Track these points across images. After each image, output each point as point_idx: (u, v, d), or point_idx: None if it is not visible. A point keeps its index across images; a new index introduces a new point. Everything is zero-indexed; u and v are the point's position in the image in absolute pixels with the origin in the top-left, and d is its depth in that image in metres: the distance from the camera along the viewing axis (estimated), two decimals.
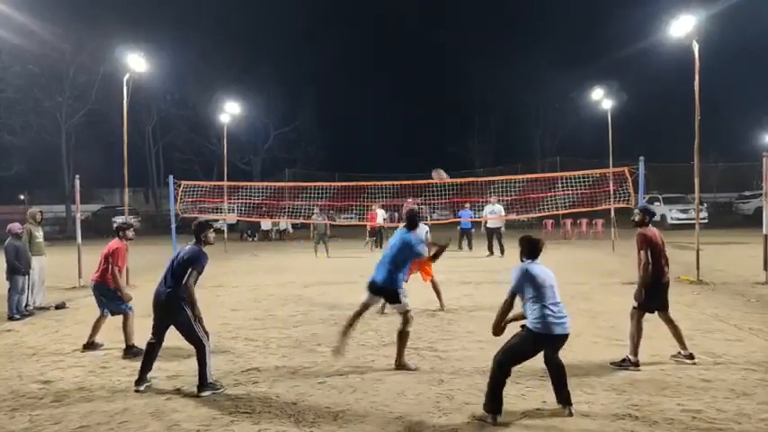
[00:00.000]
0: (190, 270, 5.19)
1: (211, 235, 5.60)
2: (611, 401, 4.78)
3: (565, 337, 4.47)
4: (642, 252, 5.80)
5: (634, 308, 5.83)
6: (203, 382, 5.14)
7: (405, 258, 5.97)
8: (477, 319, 8.11)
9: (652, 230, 5.94)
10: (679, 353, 5.82)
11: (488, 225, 16.78)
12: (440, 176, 12.54)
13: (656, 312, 5.87)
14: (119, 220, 29.33)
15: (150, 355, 5.37)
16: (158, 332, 5.40)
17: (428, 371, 5.73)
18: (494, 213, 16.60)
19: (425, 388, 5.22)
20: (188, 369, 5.88)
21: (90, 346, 6.76)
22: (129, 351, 6.43)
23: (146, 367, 5.35)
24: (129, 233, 6.94)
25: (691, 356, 5.75)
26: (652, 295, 5.81)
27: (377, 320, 8.12)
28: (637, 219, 6.07)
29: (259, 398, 5.06)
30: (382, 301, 8.71)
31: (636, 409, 4.59)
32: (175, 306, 5.20)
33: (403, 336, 5.84)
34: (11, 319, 8.60)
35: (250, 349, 6.71)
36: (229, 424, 4.50)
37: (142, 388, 5.26)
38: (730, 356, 5.95)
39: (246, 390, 5.28)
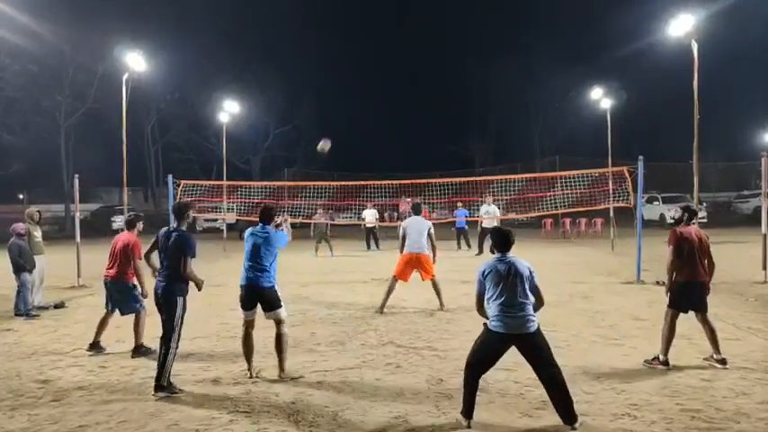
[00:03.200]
0: (185, 259, 5.21)
1: (191, 214, 5.67)
2: (609, 401, 4.78)
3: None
4: (669, 248, 5.71)
5: (668, 306, 5.76)
6: (160, 382, 5.10)
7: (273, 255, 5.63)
8: (476, 318, 8.09)
9: (688, 228, 5.81)
10: (711, 356, 5.69)
11: (483, 225, 16.76)
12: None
13: (693, 313, 5.77)
14: (117, 219, 29.68)
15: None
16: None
17: (427, 370, 5.72)
18: (488, 214, 16.58)
19: (425, 387, 5.22)
20: (187, 368, 5.88)
21: (95, 345, 6.63)
22: (138, 351, 6.39)
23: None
24: (141, 225, 6.95)
25: (723, 361, 5.59)
26: (683, 295, 5.70)
27: (376, 320, 8.13)
28: (676, 217, 6.04)
29: (258, 397, 5.05)
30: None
31: (635, 409, 4.59)
32: (171, 300, 5.22)
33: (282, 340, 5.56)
34: (18, 314, 8.71)
35: None
36: (228, 423, 4.50)
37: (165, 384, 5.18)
38: (729, 356, 5.93)
39: (246, 389, 5.27)
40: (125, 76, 13.91)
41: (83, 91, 34.34)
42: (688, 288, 5.71)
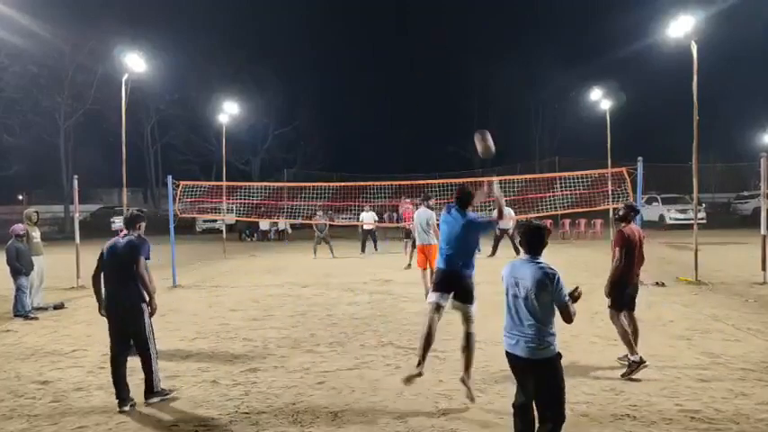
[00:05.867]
0: (139, 259, 5.01)
1: (143, 225, 5.41)
2: (609, 402, 4.78)
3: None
4: (617, 249, 5.70)
5: (609, 308, 5.74)
6: (150, 389, 4.98)
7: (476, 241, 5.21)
8: (475, 319, 8.10)
9: (632, 229, 5.81)
10: (626, 356, 5.58)
11: (500, 227, 16.64)
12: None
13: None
14: (117, 220, 29.70)
15: (120, 370, 4.98)
16: (121, 342, 5.04)
17: (427, 371, 5.71)
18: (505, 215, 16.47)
19: (424, 388, 5.21)
20: (187, 369, 5.88)
21: None
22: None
23: (120, 384, 4.96)
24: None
25: (640, 361, 5.47)
26: (623, 294, 5.72)
27: (375, 321, 8.13)
28: (621, 213, 5.92)
29: (258, 398, 5.05)
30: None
31: (634, 410, 4.59)
32: (136, 308, 4.98)
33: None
34: (17, 315, 8.72)
35: (249, 349, 6.70)
36: (228, 424, 4.50)
37: (127, 408, 4.85)
38: (728, 357, 5.96)
39: (245, 390, 5.27)
40: (124, 77, 13.91)
41: (82, 92, 34.36)
42: (626, 288, 5.73)
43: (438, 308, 5.05)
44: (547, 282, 3.53)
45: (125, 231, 5.29)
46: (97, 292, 5.13)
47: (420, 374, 4.96)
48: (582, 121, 35.59)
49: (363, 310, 8.92)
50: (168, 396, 5.06)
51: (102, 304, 5.09)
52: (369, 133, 51.21)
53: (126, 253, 5.05)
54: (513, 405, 3.72)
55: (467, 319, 5.04)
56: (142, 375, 5.08)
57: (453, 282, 5.05)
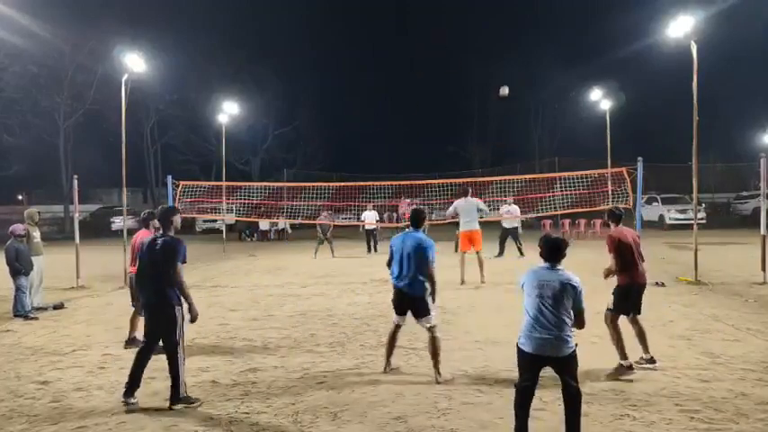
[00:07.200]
0: (177, 265, 4.87)
1: (178, 219, 5.17)
2: (609, 401, 4.79)
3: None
4: (611, 256, 5.75)
5: (608, 310, 5.74)
6: (176, 395, 4.87)
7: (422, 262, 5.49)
8: (476, 319, 8.11)
9: (622, 231, 5.84)
10: (641, 357, 5.66)
11: (504, 225, 16.51)
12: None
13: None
14: (117, 220, 29.70)
15: (141, 364, 4.95)
16: (152, 339, 5.00)
17: (427, 371, 5.72)
18: (510, 213, 16.39)
19: (424, 388, 5.22)
20: (186, 369, 5.86)
21: (132, 341, 6.67)
22: (133, 342, 6.50)
23: (135, 377, 4.93)
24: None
25: (652, 360, 5.62)
26: (625, 298, 5.72)
27: (375, 321, 8.13)
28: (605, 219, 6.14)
29: (257, 398, 5.05)
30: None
31: (634, 409, 4.60)
32: (168, 312, 4.88)
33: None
34: (17, 315, 8.73)
35: (248, 349, 6.71)
36: (228, 425, 4.50)
37: (133, 401, 4.87)
38: (728, 357, 5.96)
39: (245, 390, 5.27)
40: (124, 77, 13.91)
41: (82, 92, 34.35)
42: (628, 291, 5.73)
43: (398, 327, 5.82)
44: (570, 287, 3.93)
45: (161, 230, 5.08)
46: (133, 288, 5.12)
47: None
48: (582, 121, 35.61)
49: (363, 310, 8.92)
50: (193, 405, 4.88)
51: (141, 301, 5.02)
52: (369, 133, 51.33)
53: (162, 255, 4.88)
54: (519, 398, 3.97)
55: (429, 329, 5.57)
56: (153, 376, 5.07)
57: (405, 304, 5.62)
